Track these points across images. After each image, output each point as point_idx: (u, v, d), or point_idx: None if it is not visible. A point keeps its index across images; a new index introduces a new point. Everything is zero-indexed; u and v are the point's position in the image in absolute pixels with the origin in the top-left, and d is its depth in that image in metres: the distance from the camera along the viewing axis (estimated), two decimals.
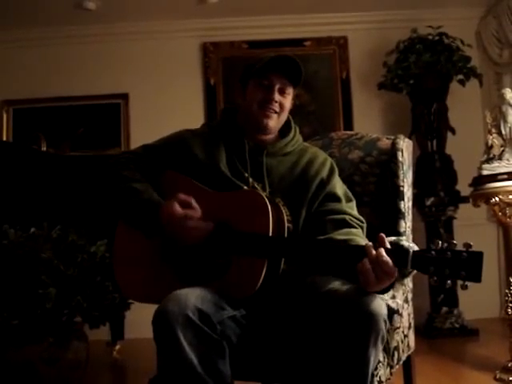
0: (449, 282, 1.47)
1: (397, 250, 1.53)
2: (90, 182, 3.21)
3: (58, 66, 5.21)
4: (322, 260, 1.66)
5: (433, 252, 1.47)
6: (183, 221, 1.72)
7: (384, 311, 1.54)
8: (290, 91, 1.92)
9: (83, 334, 2.93)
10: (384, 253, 1.49)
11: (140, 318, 2.81)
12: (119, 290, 2.25)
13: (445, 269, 1.44)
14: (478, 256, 1.43)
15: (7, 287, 2.67)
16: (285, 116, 1.95)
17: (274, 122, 1.91)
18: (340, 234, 1.77)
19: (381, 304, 1.54)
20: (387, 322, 1.56)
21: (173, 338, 1.51)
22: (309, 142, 2.21)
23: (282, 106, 1.90)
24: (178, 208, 1.73)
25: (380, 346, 1.56)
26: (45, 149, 4.28)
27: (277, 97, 1.87)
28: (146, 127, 4.80)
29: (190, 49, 5.33)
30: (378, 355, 1.59)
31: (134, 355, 4.10)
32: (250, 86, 1.92)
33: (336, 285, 1.60)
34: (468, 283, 1.43)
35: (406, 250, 1.50)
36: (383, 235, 1.56)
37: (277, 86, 1.88)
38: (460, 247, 1.46)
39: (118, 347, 3.98)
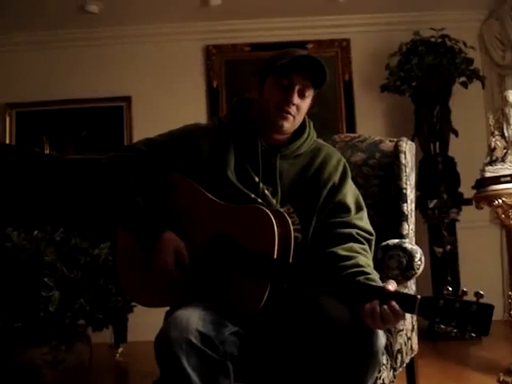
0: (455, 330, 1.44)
1: (404, 296, 1.51)
2: (93, 184, 3.22)
3: (61, 68, 5.23)
4: (328, 292, 1.62)
5: (441, 301, 1.42)
6: (166, 270, 1.72)
7: (383, 343, 1.54)
8: (310, 93, 1.82)
9: (86, 336, 2.93)
10: (397, 306, 1.46)
11: (143, 321, 2.82)
12: (123, 292, 2.25)
13: (452, 320, 1.40)
14: (488, 310, 1.37)
15: (10, 290, 2.67)
16: (301, 118, 1.86)
17: (290, 125, 1.82)
18: (343, 249, 1.74)
19: (382, 339, 1.54)
20: (384, 353, 1.59)
21: (177, 365, 1.50)
22: None
23: (299, 108, 1.81)
24: (171, 261, 1.71)
25: (376, 373, 1.58)
26: (48, 152, 4.28)
27: (295, 99, 1.78)
28: (149, 130, 4.73)
29: (192, 51, 5.34)
30: (373, 379, 1.59)
31: (136, 358, 4.10)
32: (269, 83, 1.82)
33: (338, 312, 1.56)
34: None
35: (413, 297, 1.46)
36: (389, 288, 1.52)
37: (297, 88, 1.78)
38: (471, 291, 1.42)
39: (120, 350, 3.98)
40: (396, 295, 1.49)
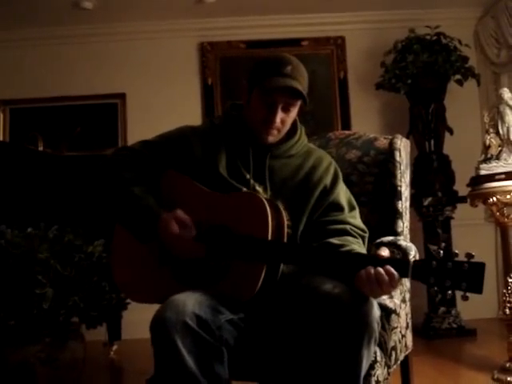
0: (449, 292, 1.46)
1: (397, 260, 1.53)
2: (87, 181, 3.21)
3: (55, 65, 5.20)
4: (323, 267, 1.65)
5: (433, 262, 1.45)
6: (176, 240, 1.73)
7: (377, 313, 1.56)
8: (296, 106, 1.84)
9: (80, 334, 2.92)
10: (392, 269, 1.49)
11: (137, 319, 2.81)
12: (116, 290, 2.25)
13: (445, 280, 1.43)
14: (480, 267, 1.41)
15: (4, 287, 2.66)
16: (288, 127, 1.88)
17: (275, 137, 1.86)
18: (337, 240, 1.77)
19: (374, 305, 1.55)
20: (379, 324, 1.57)
21: (171, 346, 1.51)
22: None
23: (284, 122, 1.83)
24: (174, 226, 1.72)
25: (372, 348, 1.58)
26: (42, 149, 4.27)
27: (279, 117, 1.80)
28: (143, 127, 4.76)
29: (187, 48, 5.33)
30: (370, 356, 1.60)
31: (130, 355, 4.10)
32: (255, 96, 1.84)
33: (330, 286, 1.59)
34: (469, 294, 1.42)
35: (406, 261, 1.50)
36: (382, 254, 1.57)
37: (280, 105, 1.80)
38: (462, 256, 1.44)
39: (115, 347, 3.98)
40: (389, 260, 1.54)
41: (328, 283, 1.60)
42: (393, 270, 1.49)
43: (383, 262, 1.52)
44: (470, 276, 1.41)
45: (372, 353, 1.61)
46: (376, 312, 1.55)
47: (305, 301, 1.63)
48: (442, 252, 1.48)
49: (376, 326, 1.55)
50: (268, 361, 1.73)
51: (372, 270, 1.50)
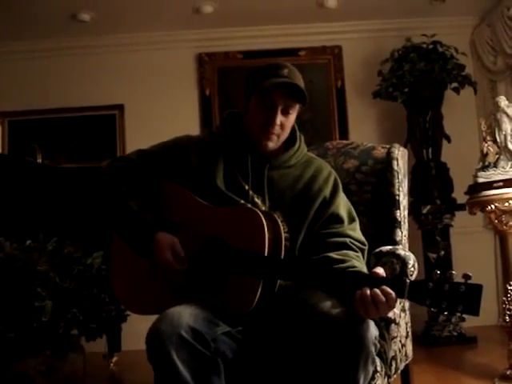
0: (446, 313, 1.45)
1: (394, 281, 1.52)
2: (86, 193, 3.21)
3: (53, 77, 5.22)
4: (319, 285, 1.64)
5: (430, 284, 1.44)
6: (165, 266, 1.73)
7: (374, 333, 1.54)
8: (295, 109, 1.84)
9: (80, 346, 2.92)
10: (389, 289, 1.48)
11: (137, 330, 2.80)
12: (116, 301, 2.24)
13: (442, 301, 1.42)
14: (477, 289, 1.40)
15: (3, 300, 2.65)
16: (286, 133, 1.88)
17: (274, 143, 1.85)
18: (337, 254, 1.76)
19: (370, 327, 1.53)
20: (377, 345, 1.56)
21: (167, 358, 1.51)
22: None
23: (283, 126, 1.83)
24: (167, 253, 1.72)
25: (370, 368, 1.56)
26: (40, 161, 4.27)
27: (279, 119, 1.80)
28: (142, 138, 4.72)
29: (185, 59, 5.35)
30: (367, 377, 1.58)
31: (130, 367, 4.09)
32: (252, 103, 1.84)
33: (327, 306, 1.57)
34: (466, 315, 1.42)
35: (403, 281, 1.48)
36: (377, 272, 1.57)
37: (280, 107, 1.79)
38: (460, 273, 1.44)
39: (114, 359, 3.97)
40: (385, 280, 1.52)
41: (325, 301, 1.59)
42: (390, 289, 1.48)
43: (379, 282, 1.51)
44: (467, 298, 1.40)
45: (370, 373, 1.59)
46: (372, 333, 1.53)
47: (302, 319, 1.61)
48: (439, 273, 1.47)
49: (372, 348, 1.53)
50: (266, 375, 1.71)
51: (368, 292, 1.49)
